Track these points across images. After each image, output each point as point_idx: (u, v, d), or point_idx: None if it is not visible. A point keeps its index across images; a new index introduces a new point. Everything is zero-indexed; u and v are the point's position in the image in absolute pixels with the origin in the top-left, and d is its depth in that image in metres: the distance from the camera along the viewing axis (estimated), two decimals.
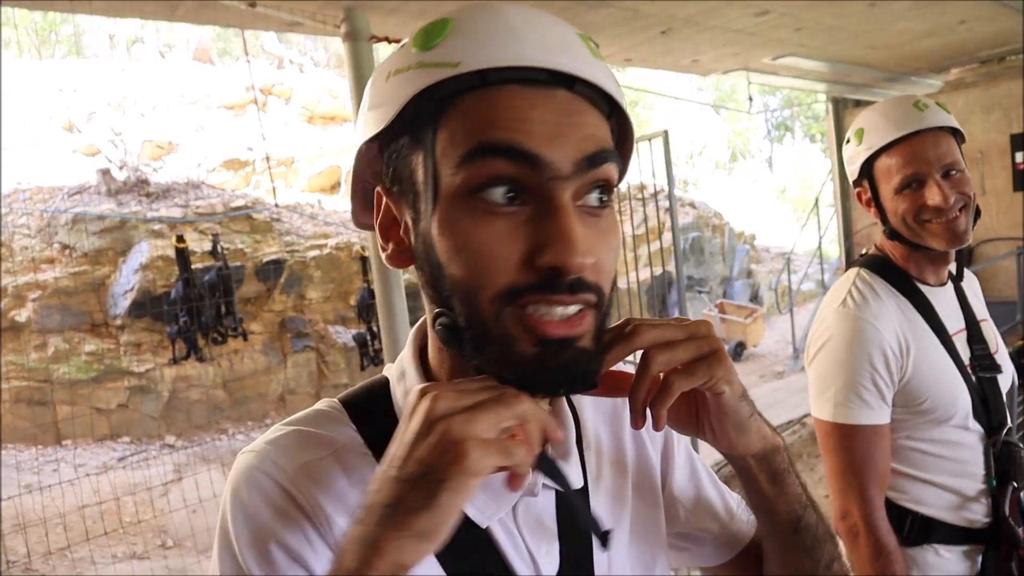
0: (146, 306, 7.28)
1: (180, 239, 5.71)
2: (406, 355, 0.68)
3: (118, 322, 7.63)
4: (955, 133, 1.44)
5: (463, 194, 0.54)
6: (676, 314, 11.39)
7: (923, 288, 1.47)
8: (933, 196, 1.38)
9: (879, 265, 1.50)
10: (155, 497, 5.47)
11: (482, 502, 0.62)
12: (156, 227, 8.08)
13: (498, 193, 0.53)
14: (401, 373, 0.67)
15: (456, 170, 0.53)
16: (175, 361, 6.06)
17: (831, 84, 7.63)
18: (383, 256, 0.63)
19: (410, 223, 0.59)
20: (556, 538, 0.66)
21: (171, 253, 6.60)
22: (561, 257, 0.51)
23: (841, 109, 8.20)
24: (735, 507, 0.82)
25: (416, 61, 0.56)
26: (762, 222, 17.97)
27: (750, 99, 6.86)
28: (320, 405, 0.67)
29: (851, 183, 1.58)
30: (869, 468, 1.40)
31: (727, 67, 6.26)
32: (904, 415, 1.41)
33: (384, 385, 0.68)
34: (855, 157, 1.52)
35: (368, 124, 0.60)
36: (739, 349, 10.35)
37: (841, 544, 1.47)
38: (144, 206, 8.47)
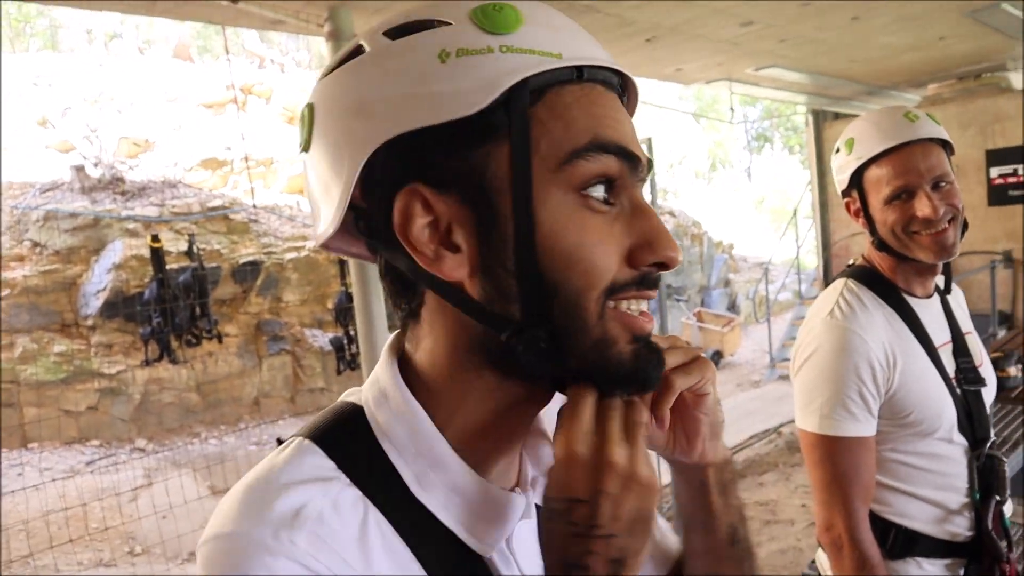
0: (118, 306, 7.17)
1: (155, 238, 5.63)
2: (385, 377, 0.59)
3: (89, 322, 7.50)
4: (945, 145, 1.43)
5: (570, 191, 0.52)
6: (656, 321, 11.37)
7: (910, 300, 1.46)
8: (922, 208, 1.37)
9: (867, 276, 1.49)
10: (123, 502, 5.35)
11: (482, 530, 0.58)
12: (130, 226, 7.97)
13: (600, 191, 0.52)
14: (382, 396, 0.59)
15: (562, 166, 0.51)
16: (147, 363, 5.96)
17: (812, 96, 7.69)
18: (440, 270, 0.53)
19: (475, 226, 0.52)
20: (541, 562, 0.62)
21: (145, 253, 6.51)
22: (668, 253, 0.54)
23: (821, 121, 8.26)
24: (662, 523, 0.80)
25: (499, 44, 0.51)
26: (740, 232, 18.11)
27: (732, 109, 6.90)
28: (291, 450, 0.56)
29: (840, 193, 1.56)
30: (854, 481, 1.38)
31: (710, 76, 6.28)
32: (890, 427, 1.40)
33: (357, 413, 0.59)
34: (845, 167, 1.50)
35: (419, 109, 0.51)
36: (716, 358, 10.39)
37: (825, 556, 1.46)
38: (119, 204, 8.35)
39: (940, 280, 1.56)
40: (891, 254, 1.46)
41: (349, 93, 0.54)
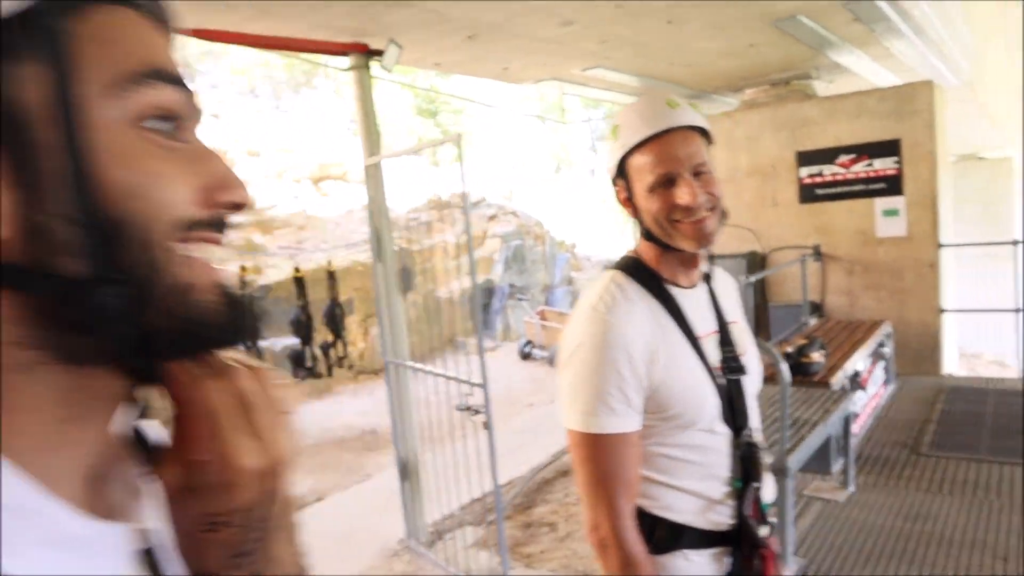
0: None
1: None
2: None
3: None
4: (704, 134, 1.43)
5: (127, 122, 0.44)
6: (498, 321, 11.50)
7: (675, 290, 1.44)
8: (682, 195, 1.36)
9: (633, 267, 1.46)
10: None
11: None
12: None
13: (165, 125, 0.46)
14: None
15: (116, 92, 0.44)
16: None
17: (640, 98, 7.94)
18: None
19: (9, 168, 0.41)
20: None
21: None
22: (241, 192, 0.50)
23: None
24: None
25: None
26: (584, 231, 18.61)
27: (563, 110, 7.00)
28: None
29: (611, 182, 1.53)
30: (618, 478, 1.34)
31: (539, 76, 6.34)
32: (653, 421, 1.37)
33: None
34: (612, 155, 1.47)
35: None
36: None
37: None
38: None
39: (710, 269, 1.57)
40: (656, 243, 1.44)
41: None
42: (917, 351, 6.85)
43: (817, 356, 4.63)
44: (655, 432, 1.38)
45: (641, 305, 1.39)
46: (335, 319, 6.70)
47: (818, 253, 7.33)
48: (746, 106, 7.80)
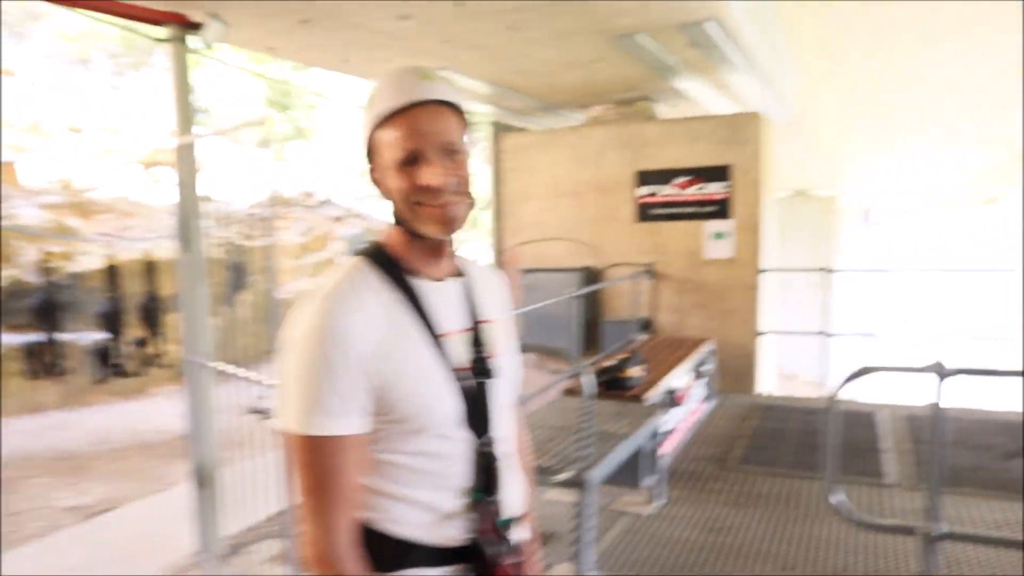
0: None
1: None
2: None
3: None
4: (461, 114, 1.31)
5: None
6: None
7: (420, 283, 1.31)
8: (427, 175, 1.23)
9: (376, 255, 1.32)
10: None
11: None
12: None
13: None
14: None
15: None
16: None
17: (491, 106, 7.92)
18: None
19: None
20: None
21: None
22: None
23: (500, 133, 8.55)
24: None
25: None
26: None
27: None
28: None
29: (365, 158, 1.38)
30: (336, 486, 1.18)
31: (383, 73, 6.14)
32: (381, 424, 1.23)
33: None
34: (364, 129, 1.33)
35: None
36: None
37: None
38: None
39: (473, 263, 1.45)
40: (404, 229, 1.31)
41: None
42: (737, 370, 7.17)
43: (635, 371, 4.69)
44: (383, 437, 1.24)
45: (378, 297, 1.25)
46: (151, 313, 6.25)
47: (651, 272, 7.54)
48: (593, 122, 7.94)
